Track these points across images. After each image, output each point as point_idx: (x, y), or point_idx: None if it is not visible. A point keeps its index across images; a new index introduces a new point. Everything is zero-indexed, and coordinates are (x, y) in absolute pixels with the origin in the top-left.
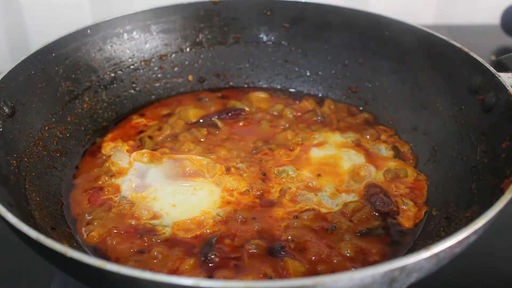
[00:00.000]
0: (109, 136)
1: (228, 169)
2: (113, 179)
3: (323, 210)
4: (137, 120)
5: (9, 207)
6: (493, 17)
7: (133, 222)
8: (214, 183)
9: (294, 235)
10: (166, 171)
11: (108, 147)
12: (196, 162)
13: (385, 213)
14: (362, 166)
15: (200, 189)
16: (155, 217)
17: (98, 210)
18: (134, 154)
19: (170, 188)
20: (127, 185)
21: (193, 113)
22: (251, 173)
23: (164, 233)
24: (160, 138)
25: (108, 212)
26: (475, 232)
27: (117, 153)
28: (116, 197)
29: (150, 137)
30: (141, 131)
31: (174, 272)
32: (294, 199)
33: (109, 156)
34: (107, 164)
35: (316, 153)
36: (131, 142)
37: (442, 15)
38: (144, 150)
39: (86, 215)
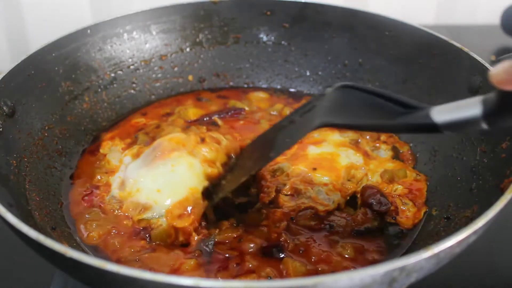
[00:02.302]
0: (109, 135)
1: (203, 140)
2: (107, 178)
3: (321, 208)
4: (137, 119)
5: (9, 207)
6: (493, 17)
7: (128, 223)
8: (190, 155)
9: (294, 236)
10: (144, 159)
11: (107, 146)
12: (174, 139)
13: (382, 213)
14: (359, 168)
15: (178, 164)
16: (145, 209)
17: (95, 210)
18: (126, 151)
19: (148, 175)
20: (117, 182)
21: (192, 112)
22: None
23: (161, 224)
24: (156, 133)
25: (104, 213)
26: (475, 232)
27: (113, 151)
28: (107, 196)
29: (147, 133)
30: (141, 130)
31: (175, 272)
32: (290, 197)
33: (106, 155)
34: (103, 163)
35: (313, 150)
36: (127, 140)
37: (442, 15)
38: (134, 146)
39: (86, 215)
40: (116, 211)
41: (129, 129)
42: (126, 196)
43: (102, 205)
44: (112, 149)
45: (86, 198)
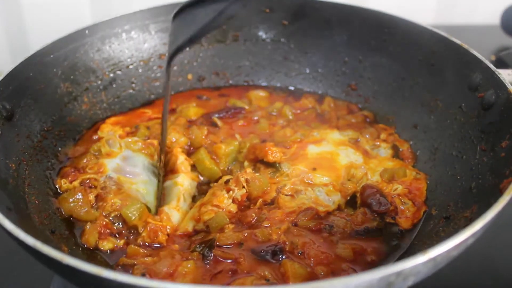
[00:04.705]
0: (112, 119)
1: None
2: (100, 160)
3: (321, 209)
4: (143, 110)
5: (8, 211)
6: (493, 17)
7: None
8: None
9: (293, 238)
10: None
11: (106, 129)
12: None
13: (382, 213)
14: (359, 167)
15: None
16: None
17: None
18: (127, 140)
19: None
20: (114, 167)
21: (193, 111)
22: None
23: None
24: (158, 131)
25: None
26: (472, 235)
27: (111, 136)
28: (101, 176)
29: (148, 128)
30: (145, 121)
31: (172, 274)
32: (291, 197)
33: (102, 138)
34: (99, 145)
35: (312, 150)
36: (127, 129)
37: (442, 15)
38: (136, 138)
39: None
40: (110, 192)
41: (133, 118)
42: (128, 183)
43: (90, 184)
44: (110, 134)
45: (71, 176)
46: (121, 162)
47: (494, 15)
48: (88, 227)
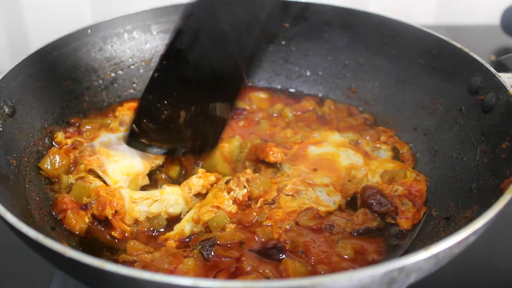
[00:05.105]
0: (130, 104)
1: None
2: (100, 130)
3: (322, 209)
4: None
5: (9, 206)
6: (493, 17)
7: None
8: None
9: (294, 237)
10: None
11: (123, 111)
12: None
13: (382, 213)
14: (359, 168)
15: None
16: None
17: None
18: None
19: (135, 164)
20: (104, 140)
21: None
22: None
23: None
24: None
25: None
26: (474, 233)
27: (126, 119)
28: (87, 143)
29: None
30: None
31: (173, 271)
32: (291, 197)
33: (116, 117)
34: (110, 120)
35: (313, 151)
36: None
37: (442, 15)
38: None
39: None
40: (81, 159)
41: None
42: (104, 154)
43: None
44: (125, 117)
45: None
46: (115, 139)
47: (494, 15)
48: (70, 214)
